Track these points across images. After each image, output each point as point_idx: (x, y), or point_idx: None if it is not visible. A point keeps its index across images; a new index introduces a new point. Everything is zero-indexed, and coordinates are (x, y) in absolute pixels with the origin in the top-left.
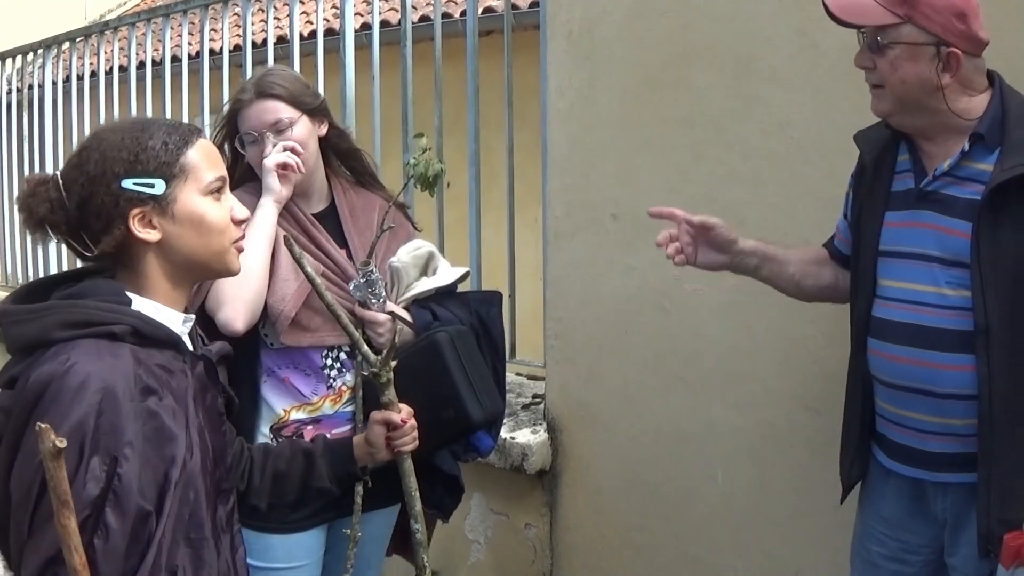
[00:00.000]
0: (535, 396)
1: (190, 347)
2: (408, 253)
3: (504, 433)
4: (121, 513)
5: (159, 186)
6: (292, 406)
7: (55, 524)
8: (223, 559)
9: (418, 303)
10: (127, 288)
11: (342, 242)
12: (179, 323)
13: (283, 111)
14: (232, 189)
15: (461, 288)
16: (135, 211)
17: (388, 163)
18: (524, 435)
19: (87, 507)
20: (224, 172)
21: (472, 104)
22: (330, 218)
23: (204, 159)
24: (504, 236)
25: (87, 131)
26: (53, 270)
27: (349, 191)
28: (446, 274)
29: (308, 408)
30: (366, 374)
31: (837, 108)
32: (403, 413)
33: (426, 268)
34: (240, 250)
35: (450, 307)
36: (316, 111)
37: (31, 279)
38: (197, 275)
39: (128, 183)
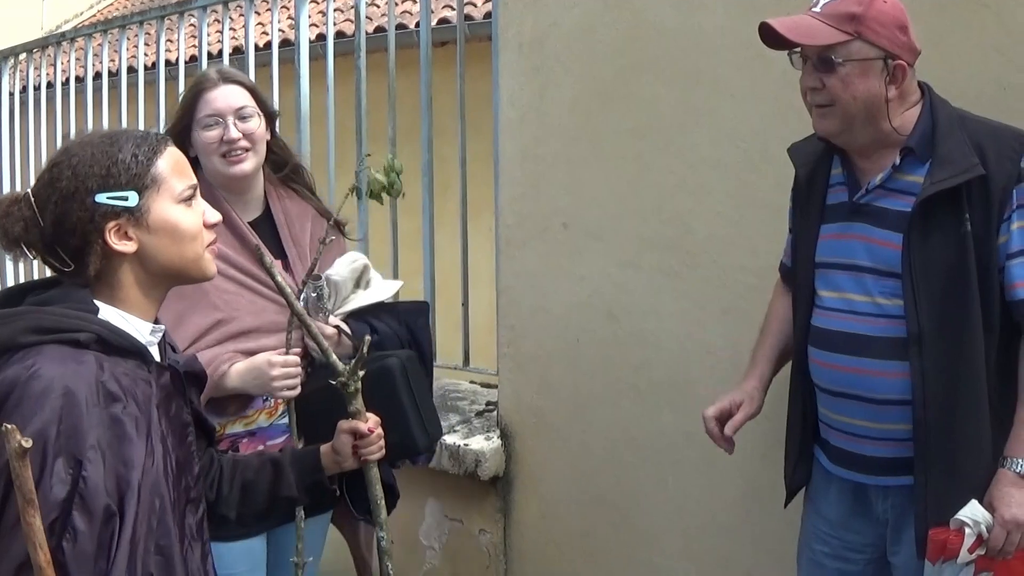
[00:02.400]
0: (488, 403)
1: (156, 357)
2: (346, 267)
3: (458, 440)
4: (88, 516)
5: (132, 198)
6: (227, 420)
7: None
8: (194, 567)
9: (355, 316)
10: (97, 297)
11: (278, 251)
12: (147, 333)
13: (247, 100)
14: None
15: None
16: (110, 224)
17: (342, 174)
18: (478, 442)
19: (54, 509)
20: (194, 179)
21: (425, 114)
22: (264, 226)
23: (174, 168)
24: (458, 245)
25: (44, 142)
26: (10, 281)
27: (284, 199)
28: (381, 287)
29: (243, 421)
30: (334, 383)
31: (784, 118)
32: (370, 423)
33: (360, 280)
34: (214, 253)
35: (384, 319)
36: (269, 115)
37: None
38: (173, 282)
39: (102, 197)
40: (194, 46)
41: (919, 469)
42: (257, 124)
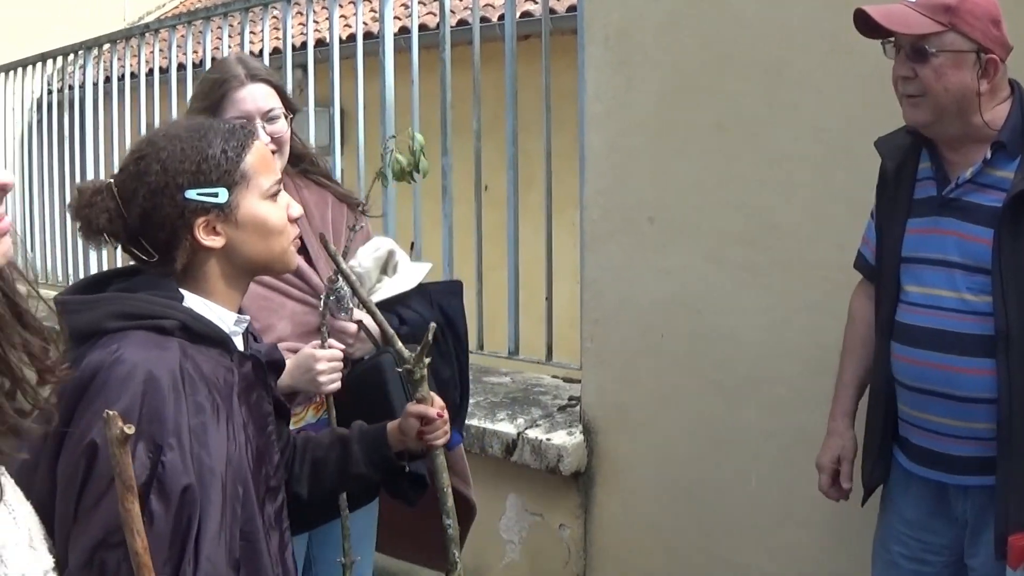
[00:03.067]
0: (571, 398)
1: (240, 346)
2: (369, 256)
3: (540, 435)
4: (165, 500)
5: (222, 195)
6: None
7: (118, 508)
8: (273, 556)
9: (383, 306)
10: (182, 285)
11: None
12: (230, 322)
13: (274, 100)
14: None
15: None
16: (200, 220)
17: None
18: (560, 437)
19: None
20: (279, 173)
21: (510, 108)
22: None
23: (261, 163)
24: (542, 239)
25: (127, 131)
26: (93, 267)
27: (302, 189)
28: (409, 272)
29: (293, 420)
30: (400, 370)
31: (869, 113)
32: (436, 408)
33: (386, 267)
34: (297, 247)
35: (413, 305)
36: (293, 110)
37: (71, 277)
38: (257, 274)
39: (192, 194)
40: (277, 39)
41: (1001, 468)
42: (284, 126)
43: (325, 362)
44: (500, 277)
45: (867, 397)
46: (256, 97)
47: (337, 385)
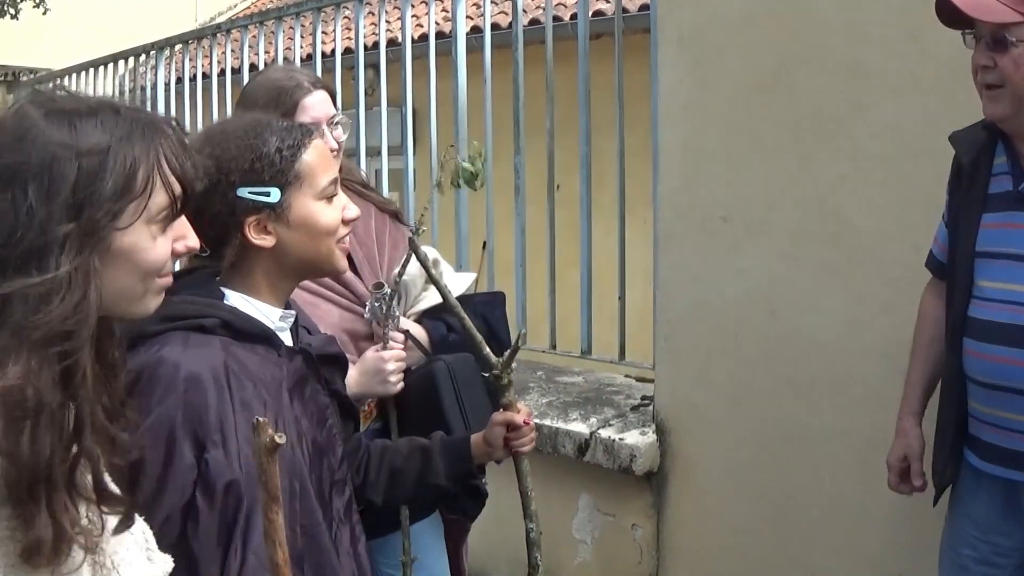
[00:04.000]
0: (644, 398)
1: (288, 342)
2: (415, 264)
3: (612, 434)
4: (210, 497)
5: (275, 194)
6: None
7: (156, 513)
8: (344, 550)
9: (429, 314)
10: (227, 283)
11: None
12: (275, 318)
13: (333, 107)
14: None
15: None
16: (251, 219)
17: (499, 165)
18: (632, 436)
19: (184, 492)
20: (336, 172)
21: (583, 107)
22: None
23: (318, 163)
24: (614, 238)
25: (199, 132)
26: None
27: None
28: (454, 282)
29: None
30: (486, 375)
31: (946, 112)
32: (523, 414)
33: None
34: (345, 249)
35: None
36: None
37: None
38: (304, 275)
39: (244, 192)
40: (349, 39)
41: None
42: (342, 134)
43: (393, 362)
44: (573, 276)
45: (938, 395)
46: (323, 104)
47: (400, 386)
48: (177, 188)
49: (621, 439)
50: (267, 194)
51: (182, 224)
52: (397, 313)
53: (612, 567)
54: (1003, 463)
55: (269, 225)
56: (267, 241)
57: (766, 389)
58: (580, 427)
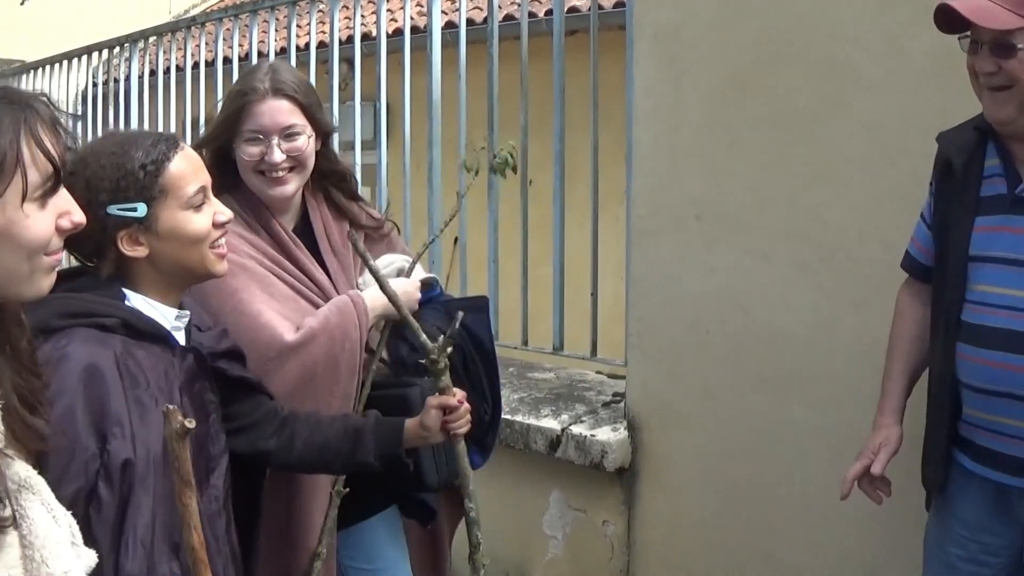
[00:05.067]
0: (615, 394)
1: (182, 341)
2: (383, 270)
3: (584, 430)
4: (110, 487)
5: (141, 209)
6: None
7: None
8: (220, 535)
9: (398, 330)
10: (126, 284)
11: (318, 262)
12: (171, 318)
13: (297, 117)
14: (217, 194)
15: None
16: (122, 233)
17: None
18: (604, 433)
19: (86, 480)
20: (204, 180)
21: (558, 103)
22: (304, 237)
23: (183, 173)
24: (587, 235)
25: (172, 125)
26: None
27: (322, 205)
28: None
29: None
30: (423, 361)
31: (922, 111)
32: (459, 396)
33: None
34: (221, 255)
35: (431, 320)
36: (321, 128)
37: None
38: (185, 281)
39: (113, 209)
40: (324, 32)
41: None
42: (304, 142)
43: (415, 287)
44: (545, 272)
45: (925, 399)
46: (275, 112)
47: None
48: (48, 165)
49: (593, 435)
50: (134, 209)
51: (65, 200)
52: None
53: (583, 563)
54: (996, 467)
55: (140, 237)
56: (140, 252)
57: (738, 386)
58: (552, 423)
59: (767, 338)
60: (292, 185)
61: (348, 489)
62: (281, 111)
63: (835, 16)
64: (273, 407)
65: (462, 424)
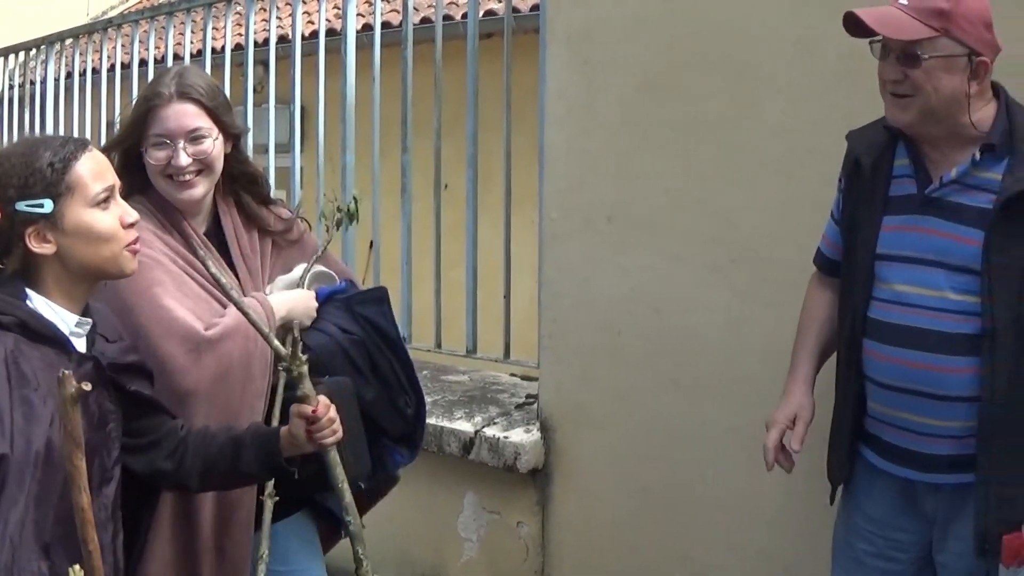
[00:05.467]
0: (528, 396)
1: (81, 347)
2: (281, 288)
3: (497, 432)
4: None
5: (48, 205)
6: None
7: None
8: (103, 547)
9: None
10: (30, 286)
11: (228, 266)
12: (72, 324)
13: (203, 120)
14: (126, 198)
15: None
16: (29, 229)
17: (386, 163)
18: (517, 434)
19: None
20: (111, 181)
21: (471, 106)
22: (215, 240)
23: (89, 173)
24: (500, 237)
25: (88, 127)
26: None
27: (233, 209)
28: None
29: None
30: (280, 369)
31: (832, 114)
32: (319, 406)
33: (303, 281)
34: (134, 252)
35: (327, 326)
36: (230, 131)
37: None
38: (94, 279)
39: (21, 205)
40: (240, 34)
41: (982, 467)
42: (211, 145)
43: (311, 297)
44: (458, 275)
45: (831, 393)
46: (180, 116)
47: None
48: None
49: (506, 437)
50: (41, 205)
51: None
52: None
53: (498, 565)
54: (901, 462)
55: (48, 234)
56: (47, 249)
57: (650, 387)
58: (465, 426)
59: (679, 339)
60: (200, 188)
61: (278, 497)
62: (186, 114)
63: (747, 21)
64: (173, 427)
65: (327, 434)
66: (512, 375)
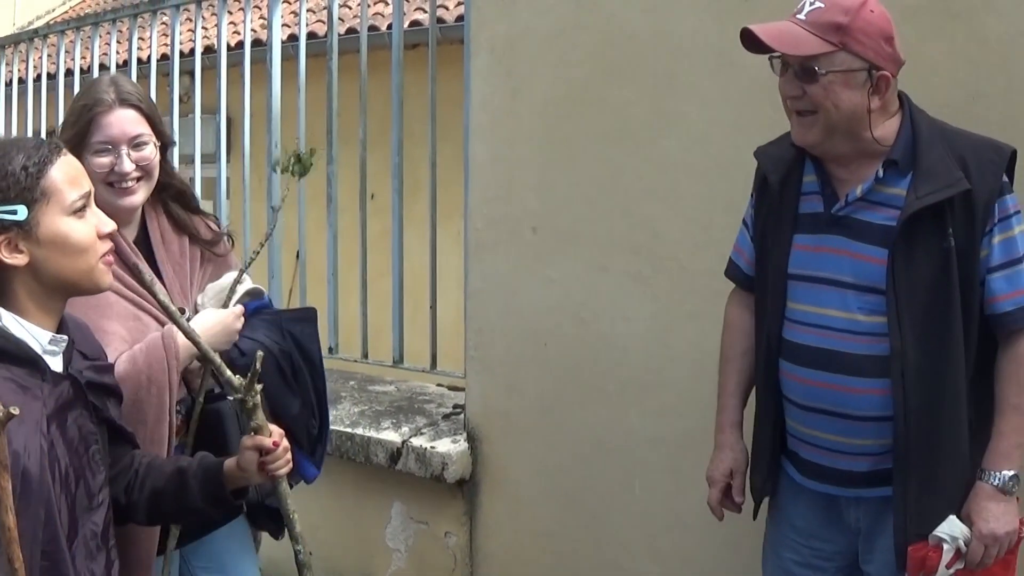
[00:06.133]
0: (455, 406)
1: (57, 366)
2: (211, 297)
3: (424, 442)
4: None
5: (21, 212)
6: None
7: None
8: (98, 574)
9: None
10: (0, 302)
11: (153, 272)
12: (44, 341)
13: (144, 127)
14: None
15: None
16: (1, 238)
17: (312, 175)
18: (444, 444)
19: None
20: (87, 187)
21: (396, 117)
22: (141, 246)
23: (66, 178)
24: (427, 248)
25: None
26: None
27: (161, 216)
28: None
29: None
30: (231, 398)
31: (754, 124)
32: (275, 436)
33: (230, 298)
34: (109, 263)
35: (258, 334)
36: (163, 140)
37: None
38: (68, 293)
39: None
40: (166, 44)
41: (899, 482)
42: (152, 152)
43: (235, 318)
44: (385, 286)
45: (753, 409)
46: (123, 122)
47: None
48: None
49: (433, 447)
50: (13, 212)
51: None
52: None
53: (427, 575)
54: (821, 479)
55: (20, 243)
56: (19, 260)
57: (576, 396)
58: (392, 436)
59: (604, 348)
60: (140, 195)
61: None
62: (129, 120)
63: (669, 31)
64: (131, 459)
65: (281, 464)
66: (439, 385)
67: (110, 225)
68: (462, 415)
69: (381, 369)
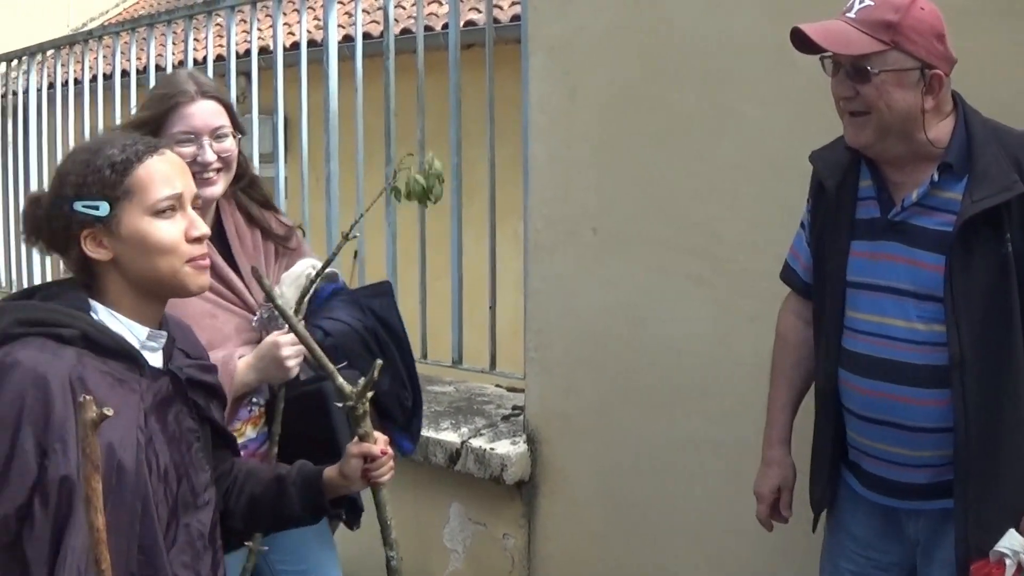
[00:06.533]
0: (515, 407)
1: (156, 362)
2: (288, 285)
3: (483, 444)
4: (45, 505)
5: (103, 208)
6: None
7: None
8: (204, 574)
9: (308, 321)
10: (96, 298)
11: (232, 267)
12: (142, 336)
13: (224, 119)
14: None
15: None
16: (85, 232)
17: (370, 174)
18: (503, 446)
19: (21, 494)
20: (181, 188)
21: (454, 117)
22: (216, 240)
23: (155, 177)
24: (485, 249)
25: (71, 138)
26: (37, 272)
27: (235, 211)
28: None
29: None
30: (340, 405)
31: (812, 123)
32: (380, 444)
33: (309, 288)
34: (202, 268)
35: (340, 314)
36: (238, 130)
37: (15, 283)
38: (156, 293)
39: (78, 205)
40: (221, 46)
41: (960, 495)
42: (232, 144)
43: (289, 346)
44: (444, 286)
45: (813, 419)
46: (205, 114)
47: (298, 368)
48: None
49: (492, 448)
50: (96, 207)
51: None
52: (280, 326)
53: None
54: (881, 491)
55: (103, 239)
56: (102, 255)
57: (634, 399)
58: (451, 436)
59: (663, 351)
60: (220, 186)
61: (267, 548)
62: (211, 112)
63: (724, 29)
64: (231, 465)
65: (384, 472)
66: (498, 386)
67: (201, 228)
68: (521, 416)
69: (440, 369)
